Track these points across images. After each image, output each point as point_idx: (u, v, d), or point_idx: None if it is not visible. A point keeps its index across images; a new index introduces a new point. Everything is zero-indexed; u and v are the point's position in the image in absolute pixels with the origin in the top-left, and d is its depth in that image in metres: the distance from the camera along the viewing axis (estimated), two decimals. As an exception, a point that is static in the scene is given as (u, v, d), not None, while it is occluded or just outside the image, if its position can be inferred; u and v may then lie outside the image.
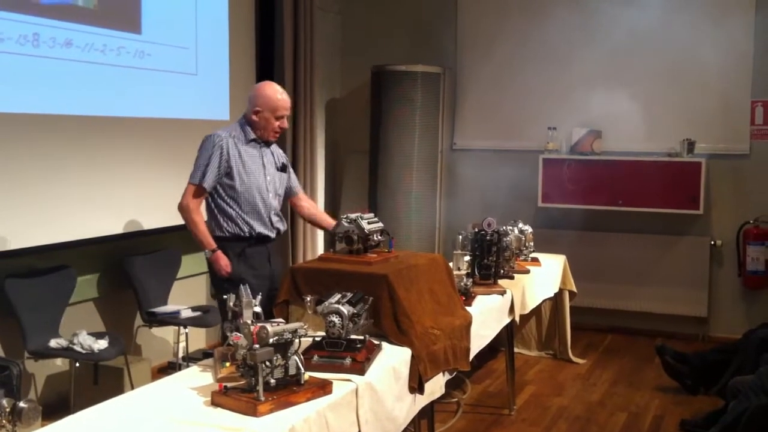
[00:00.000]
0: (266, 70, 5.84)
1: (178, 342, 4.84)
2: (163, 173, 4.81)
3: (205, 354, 5.01)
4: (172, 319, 4.61)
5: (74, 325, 4.16)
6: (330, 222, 3.84)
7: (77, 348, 3.91)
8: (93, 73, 4.33)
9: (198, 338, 5.24)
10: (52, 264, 4.19)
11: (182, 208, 3.62)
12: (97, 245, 4.45)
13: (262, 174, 3.68)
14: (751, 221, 5.77)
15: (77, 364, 4.02)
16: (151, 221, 4.74)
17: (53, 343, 3.95)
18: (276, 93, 3.65)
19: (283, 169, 3.80)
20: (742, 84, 5.79)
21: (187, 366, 4.51)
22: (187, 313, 4.64)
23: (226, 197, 3.62)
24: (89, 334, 4.03)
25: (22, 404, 1.76)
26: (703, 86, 5.83)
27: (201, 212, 3.64)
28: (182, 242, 5.03)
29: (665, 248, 5.97)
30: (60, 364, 4.26)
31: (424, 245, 6.16)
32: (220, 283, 3.63)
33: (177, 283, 4.95)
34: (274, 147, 3.81)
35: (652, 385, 4.79)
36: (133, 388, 4.21)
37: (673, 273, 5.91)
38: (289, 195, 3.88)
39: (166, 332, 4.90)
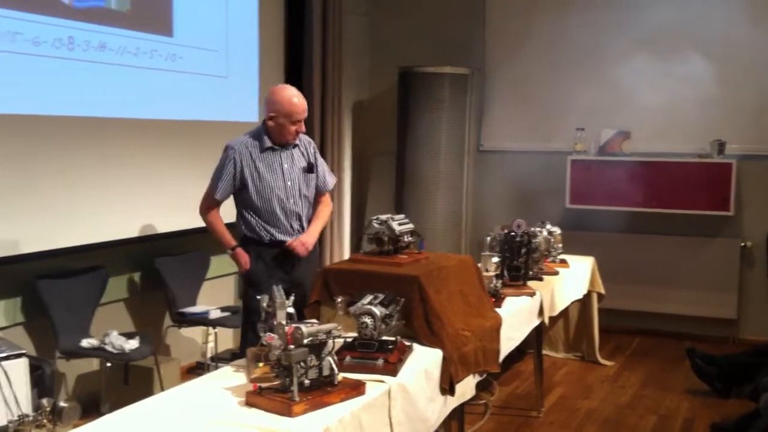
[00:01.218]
0: (295, 72, 5.86)
1: (206, 342, 4.88)
2: (193, 175, 4.83)
3: (234, 354, 5.04)
4: (201, 319, 4.65)
5: (105, 325, 4.21)
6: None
7: (108, 348, 3.96)
8: (126, 75, 4.38)
9: (226, 338, 5.27)
10: (84, 265, 4.24)
11: (200, 213, 3.73)
12: (128, 246, 4.50)
13: (281, 180, 3.64)
14: (783, 223, 5.71)
15: (108, 364, 4.06)
16: (181, 222, 4.77)
17: (85, 343, 4.00)
18: (290, 97, 3.57)
19: (310, 169, 3.72)
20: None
21: (216, 366, 4.56)
22: (215, 314, 4.67)
23: (247, 208, 3.66)
24: (120, 334, 4.07)
25: (62, 404, 1.79)
26: (733, 86, 5.77)
27: (219, 216, 3.72)
28: (211, 243, 5.05)
29: (695, 250, 5.91)
30: (90, 363, 4.30)
31: (450, 247, 6.15)
32: (242, 282, 3.72)
33: (206, 283, 4.99)
34: (303, 144, 3.75)
35: (682, 387, 4.75)
36: (162, 388, 4.25)
37: (703, 275, 5.85)
38: (315, 192, 3.80)
39: (195, 332, 4.94)
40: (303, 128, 3.66)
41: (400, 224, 3.35)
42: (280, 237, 3.65)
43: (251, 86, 5.43)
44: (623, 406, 4.44)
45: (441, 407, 2.83)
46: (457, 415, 3.21)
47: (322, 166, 3.85)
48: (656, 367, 5.19)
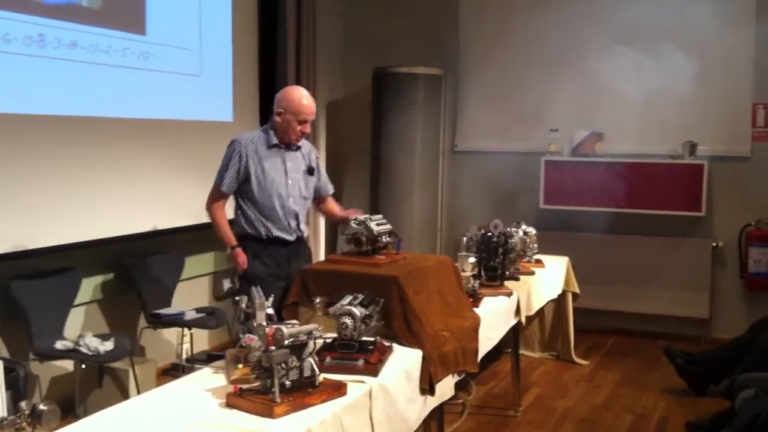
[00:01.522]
0: (268, 72, 5.83)
1: (181, 343, 4.84)
2: (167, 174, 4.81)
3: (209, 356, 5.01)
4: (177, 320, 4.60)
5: (79, 327, 4.15)
6: (336, 210, 3.90)
7: (83, 350, 3.90)
8: (98, 74, 4.32)
9: (201, 340, 5.23)
10: (56, 266, 4.18)
11: (206, 208, 3.78)
12: (102, 247, 4.44)
13: (283, 179, 3.74)
14: (753, 223, 5.80)
15: (83, 366, 4.01)
16: (154, 223, 4.73)
17: (59, 344, 3.94)
18: (301, 97, 3.69)
19: (310, 172, 3.84)
20: (743, 86, 5.81)
21: (192, 368, 4.51)
22: (191, 315, 4.64)
23: (246, 200, 3.73)
24: (95, 335, 4.01)
25: (41, 406, 1.76)
26: (704, 88, 5.83)
27: (224, 211, 3.78)
28: (186, 244, 5.04)
29: (667, 250, 5.98)
30: (64, 365, 4.24)
31: (426, 247, 6.15)
32: (239, 281, 3.80)
33: (181, 284, 4.94)
34: (306, 149, 3.86)
35: (657, 386, 4.80)
36: (138, 389, 4.20)
37: (675, 275, 5.92)
38: (317, 196, 3.93)
39: (170, 334, 4.89)
40: (308, 129, 3.75)
41: (378, 224, 3.34)
42: (277, 233, 3.72)
43: (225, 85, 5.39)
44: (599, 406, 4.47)
45: (421, 407, 2.82)
46: (437, 414, 3.21)
47: (323, 171, 3.98)
48: (631, 367, 5.24)
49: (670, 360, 4.76)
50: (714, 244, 5.90)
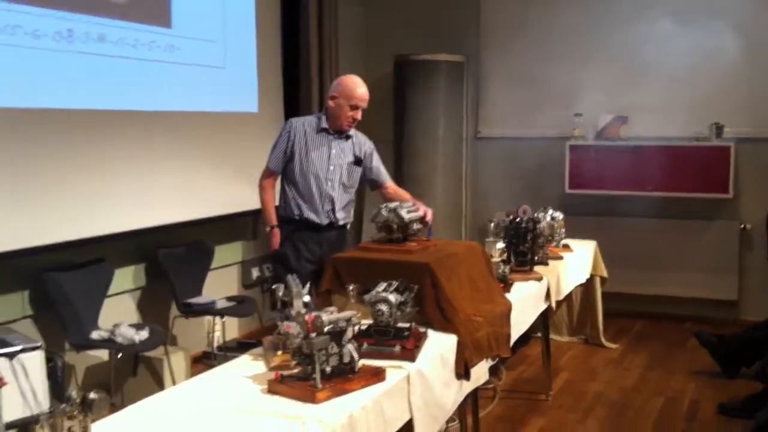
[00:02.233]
0: (292, 63, 5.85)
1: (213, 332, 4.89)
2: (194, 165, 4.85)
3: (240, 344, 5.07)
4: (208, 309, 4.65)
5: (112, 317, 4.21)
6: (406, 195, 3.96)
7: (118, 339, 3.95)
8: (126, 67, 4.35)
9: (232, 328, 5.28)
10: (88, 258, 4.23)
11: (258, 186, 3.97)
12: (133, 238, 4.49)
13: (325, 164, 3.85)
14: (781, 204, 5.75)
15: (119, 356, 4.07)
16: (184, 213, 4.77)
17: (95, 335, 3.99)
18: (356, 84, 3.85)
19: (357, 162, 3.91)
20: (768, 67, 5.76)
21: (224, 356, 4.57)
22: (222, 303, 4.68)
23: (288, 180, 3.88)
24: (129, 325, 4.07)
25: (92, 395, 1.79)
26: (730, 69, 5.79)
27: (271, 190, 3.96)
28: (215, 233, 5.09)
29: (695, 233, 5.95)
30: (98, 355, 4.30)
31: (451, 234, 6.17)
32: (271, 262, 4.05)
33: (211, 273, 4.99)
34: (358, 139, 3.97)
35: (686, 369, 4.79)
36: (173, 377, 4.26)
37: (703, 257, 5.89)
38: (374, 187, 4.08)
39: (201, 323, 4.95)
40: (359, 116, 3.88)
41: (408, 212, 3.36)
42: (309, 215, 3.85)
43: (249, 77, 5.41)
44: (629, 389, 4.48)
45: (456, 392, 2.85)
46: (471, 399, 3.23)
47: (379, 162, 4.07)
48: (660, 350, 5.24)
49: (702, 342, 4.75)
50: (742, 225, 5.86)
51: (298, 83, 5.87)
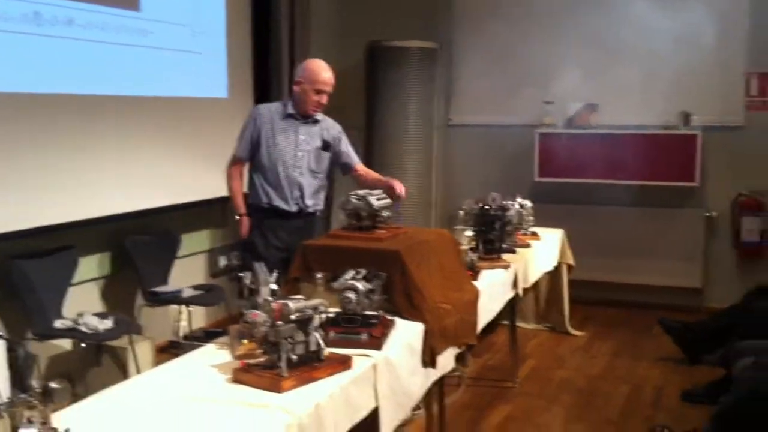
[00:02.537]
0: (263, 48, 5.79)
1: (179, 321, 4.85)
2: (163, 152, 4.79)
3: (207, 333, 5.02)
4: (174, 298, 4.61)
5: (77, 306, 4.14)
6: (376, 176, 4.00)
7: (82, 328, 3.90)
8: (94, 51, 4.27)
9: (199, 317, 5.24)
10: (55, 245, 4.16)
11: (226, 174, 3.96)
12: (99, 225, 4.42)
13: (293, 150, 3.83)
14: (746, 192, 5.83)
15: (83, 345, 4.01)
16: (151, 200, 4.71)
17: (58, 324, 3.93)
18: (320, 68, 3.81)
19: (325, 147, 3.86)
20: (736, 55, 5.82)
21: (191, 345, 4.53)
22: (188, 292, 4.64)
23: (256, 167, 3.87)
24: (93, 314, 4.01)
25: (53, 384, 1.76)
26: (698, 58, 5.83)
27: (238, 178, 3.94)
28: (182, 221, 5.03)
29: (661, 221, 6.01)
30: (62, 344, 4.24)
31: (421, 221, 6.16)
32: (240, 251, 4.06)
33: (178, 261, 4.94)
34: (326, 123, 3.94)
35: (652, 356, 4.85)
36: (138, 367, 4.21)
37: (669, 245, 5.96)
38: (345, 172, 4.06)
39: (168, 312, 4.90)
40: (324, 101, 3.84)
41: (378, 199, 3.34)
42: (277, 202, 3.84)
43: (220, 62, 5.34)
44: (595, 376, 4.52)
45: (423, 380, 2.85)
46: (437, 387, 3.24)
47: (348, 146, 4.05)
48: (626, 337, 5.30)
49: (666, 330, 4.81)
50: (707, 213, 5.93)
51: (268, 69, 5.82)
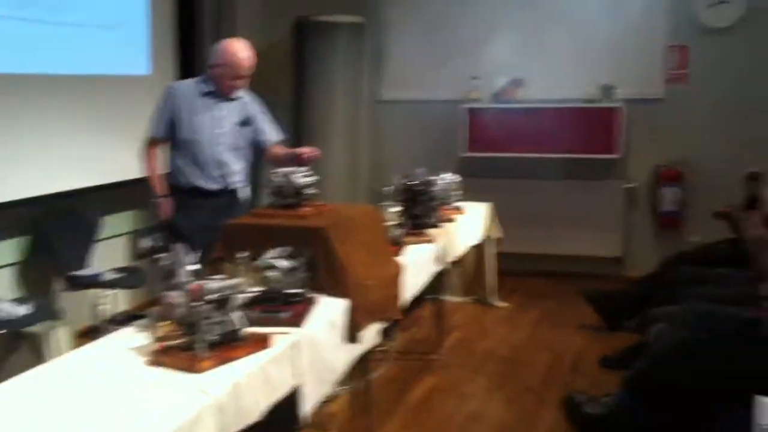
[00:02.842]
0: (187, 22, 5.67)
1: (100, 305, 4.76)
2: (81, 132, 4.66)
3: (131, 316, 4.94)
4: (94, 281, 4.51)
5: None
6: (281, 153, 3.88)
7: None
8: (7, 28, 4.12)
9: (123, 300, 5.15)
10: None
11: (141, 155, 3.84)
12: (16, 208, 4.29)
13: (211, 127, 3.74)
14: (665, 164, 6.02)
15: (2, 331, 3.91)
16: (70, 182, 4.59)
17: (-27, 310, 3.82)
18: (237, 51, 3.68)
19: (245, 123, 3.79)
20: (657, 29, 5.96)
21: (113, 328, 4.45)
22: (110, 275, 4.55)
23: (175, 147, 3.77)
24: (11, 300, 3.91)
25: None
26: (620, 32, 5.96)
27: (154, 159, 3.82)
28: (103, 203, 4.92)
29: (585, 192, 6.16)
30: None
31: (350, 198, 6.17)
32: (164, 234, 3.86)
33: (100, 244, 4.83)
34: (244, 99, 3.85)
35: (573, 324, 4.97)
36: (56, 353, 4.12)
37: (592, 216, 6.13)
38: (260, 149, 3.92)
39: (89, 296, 4.79)
40: (240, 85, 3.75)
41: (303, 176, 3.33)
42: (198, 181, 3.77)
43: (141, 38, 5.21)
44: (519, 345, 4.63)
45: (347, 356, 2.88)
46: (363, 362, 3.27)
47: (264, 122, 3.92)
48: (549, 307, 5.43)
49: (588, 298, 4.95)
50: (629, 185, 6.10)
51: (193, 45, 5.70)
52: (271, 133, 3.99)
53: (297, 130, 6.23)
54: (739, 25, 5.83)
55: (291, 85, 6.29)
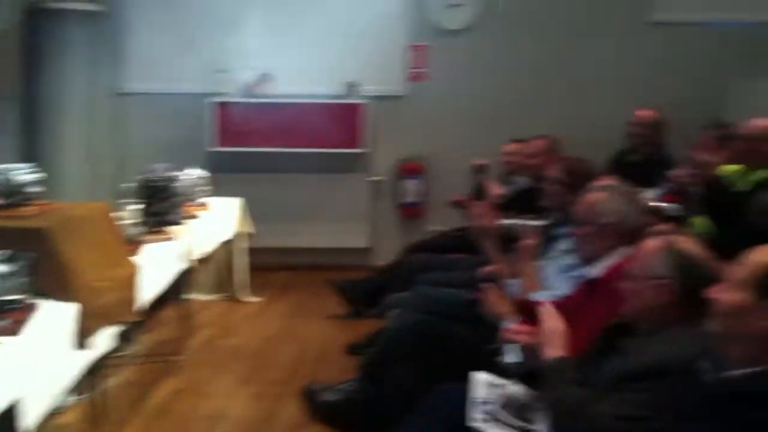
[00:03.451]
0: None
1: None
2: None
3: None
4: None
5: None
6: None
7: None
8: None
9: None
10: None
11: None
12: None
13: None
14: (408, 158, 6.36)
15: None
16: None
17: None
18: None
19: None
20: (398, 29, 6.27)
21: None
22: None
23: None
24: None
25: None
26: (364, 31, 6.18)
27: None
28: None
29: (332, 186, 6.35)
30: None
31: (91, 196, 5.84)
32: None
33: None
34: None
35: (322, 315, 5.09)
36: None
37: (340, 208, 6.32)
38: None
39: None
40: None
41: (25, 174, 3.13)
42: None
43: None
44: (267, 340, 4.66)
45: (76, 363, 2.75)
46: (96, 369, 3.13)
47: None
48: (299, 299, 5.52)
49: (336, 288, 5.11)
50: (373, 178, 6.37)
51: None
52: None
53: (27, 125, 5.78)
54: (474, 27, 6.29)
55: (19, 78, 5.81)
